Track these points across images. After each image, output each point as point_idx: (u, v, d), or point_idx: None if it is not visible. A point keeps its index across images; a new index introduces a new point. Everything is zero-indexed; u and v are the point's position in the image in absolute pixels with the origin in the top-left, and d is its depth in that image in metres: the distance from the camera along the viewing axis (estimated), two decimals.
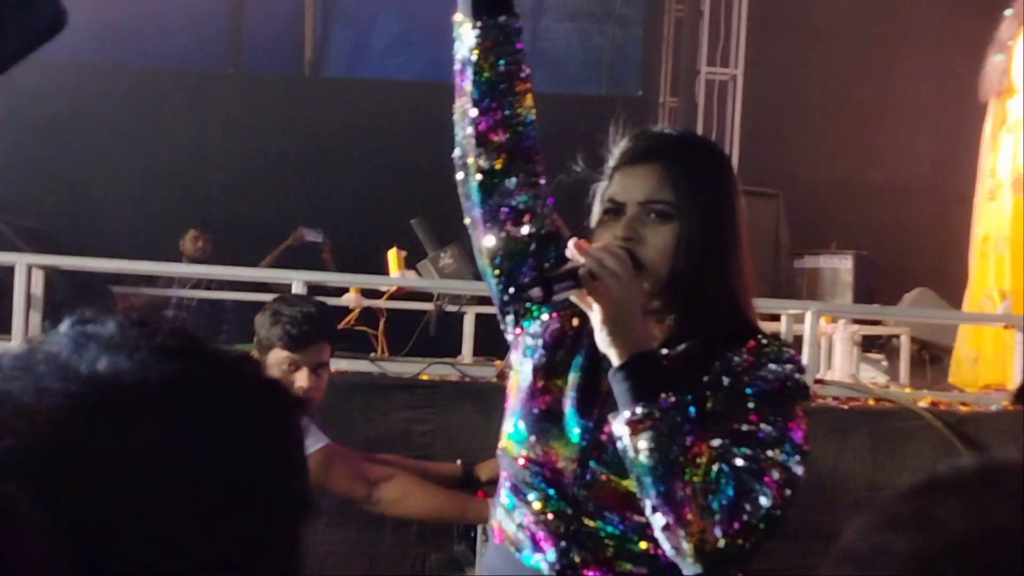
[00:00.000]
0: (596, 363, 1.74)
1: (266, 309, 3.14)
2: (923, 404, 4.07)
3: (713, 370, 1.71)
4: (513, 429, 1.81)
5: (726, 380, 1.69)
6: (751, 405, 1.65)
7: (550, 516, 1.73)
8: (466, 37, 1.85)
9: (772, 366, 1.69)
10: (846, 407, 4.03)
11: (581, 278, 1.65)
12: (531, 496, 1.76)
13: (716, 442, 1.61)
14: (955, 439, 3.88)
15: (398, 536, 3.75)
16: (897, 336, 5.71)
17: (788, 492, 1.60)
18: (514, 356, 1.89)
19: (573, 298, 1.70)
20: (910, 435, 3.94)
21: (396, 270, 4.87)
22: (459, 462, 3.46)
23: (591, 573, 1.70)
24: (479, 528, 3.16)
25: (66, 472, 0.65)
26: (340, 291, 4.94)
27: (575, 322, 1.82)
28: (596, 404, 1.74)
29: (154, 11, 8.26)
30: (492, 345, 4.93)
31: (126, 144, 8.28)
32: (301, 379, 3.00)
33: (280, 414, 0.76)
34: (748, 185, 7.92)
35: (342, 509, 3.39)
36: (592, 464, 1.71)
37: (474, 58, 1.84)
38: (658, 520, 1.58)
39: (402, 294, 4.60)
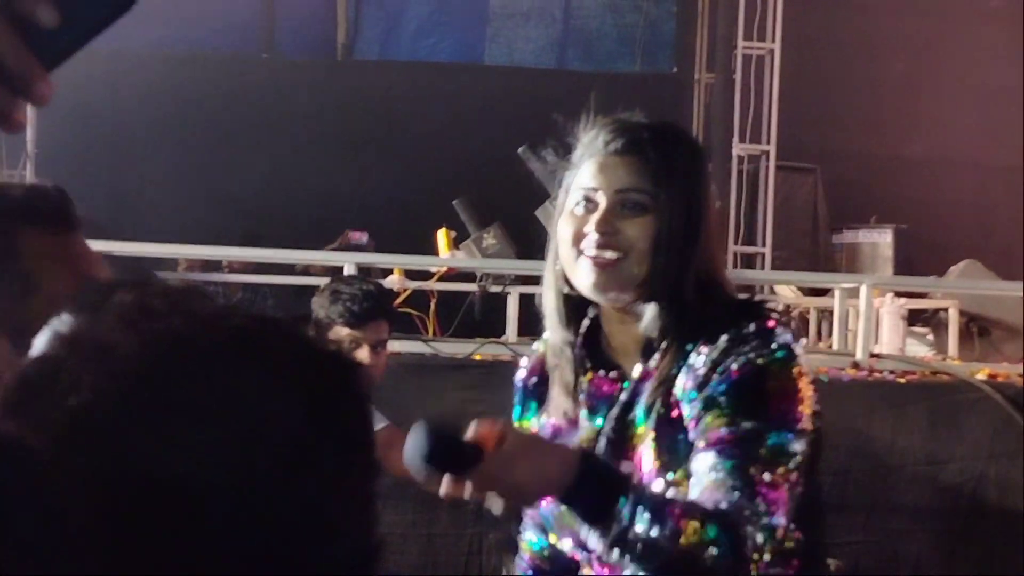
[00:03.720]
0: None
1: (324, 289, 3.14)
2: (980, 377, 4.03)
3: (679, 379, 1.65)
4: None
5: (690, 385, 1.63)
6: (722, 403, 1.59)
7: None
8: None
9: (739, 352, 1.62)
10: (902, 381, 4.00)
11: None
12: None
13: (704, 460, 1.56)
14: (1014, 411, 3.84)
15: (455, 516, 3.75)
16: (944, 309, 5.66)
17: (792, 493, 1.55)
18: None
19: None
20: (968, 408, 3.90)
21: (447, 250, 4.85)
22: None
23: None
24: None
25: (141, 420, 0.64)
26: (384, 274, 4.93)
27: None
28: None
29: None
30: (537, 325, 4.90)
31: (160, 130, 8.31)
32: (362, 356, 3.00)
33: (351, 372, 0.75)
34: (786, 160, 7.96)
35: (398, 490, 3.38)
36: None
37: None
38: None
39: (452, 275, 4.58)
